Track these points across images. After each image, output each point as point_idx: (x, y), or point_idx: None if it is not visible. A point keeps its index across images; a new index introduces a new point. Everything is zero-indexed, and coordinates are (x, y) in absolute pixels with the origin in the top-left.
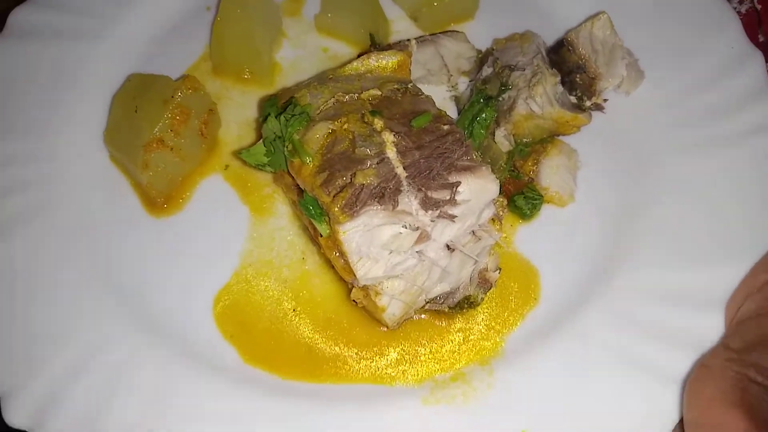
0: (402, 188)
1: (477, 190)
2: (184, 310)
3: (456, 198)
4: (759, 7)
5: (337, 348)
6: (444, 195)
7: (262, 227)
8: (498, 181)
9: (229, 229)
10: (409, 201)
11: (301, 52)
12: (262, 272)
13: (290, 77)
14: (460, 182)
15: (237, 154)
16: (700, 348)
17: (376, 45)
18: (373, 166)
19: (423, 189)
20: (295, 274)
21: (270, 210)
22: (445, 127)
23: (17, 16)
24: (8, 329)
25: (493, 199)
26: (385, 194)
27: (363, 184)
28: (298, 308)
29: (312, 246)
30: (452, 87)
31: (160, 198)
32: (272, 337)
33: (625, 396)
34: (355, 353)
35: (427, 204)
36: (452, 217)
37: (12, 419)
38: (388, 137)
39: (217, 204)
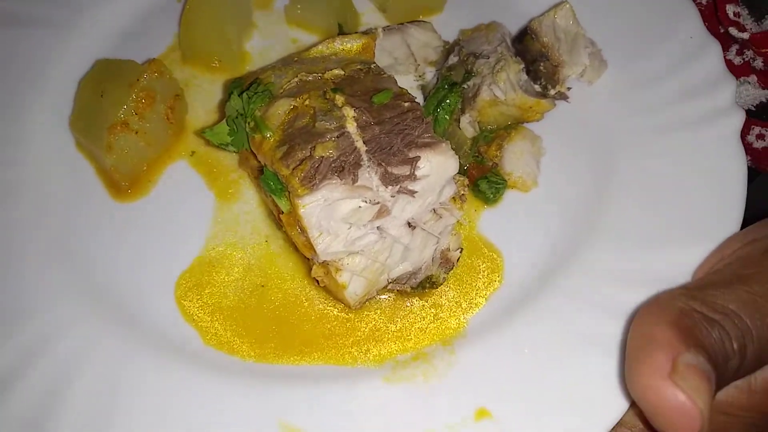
0: (362, 163)
1: (437, 166)
2: (148, 294)
3: (416, 173)
4: None
5: (308, 324)
6: (404, 170)
7: (228, 212)
8: (457, 157)
9: (194, 213)
10: (369, 176)
11: (271, 42)
12: (227, 254)
13: (259, 66)
14: (419, 157)
15: (200, 133)
16: None
17: (344, 35)
18: (333, 139)
19: (383, 164)
20: (261, 255)
21: (235, 195)
22: (406, 104)
23: None
24: None
25: (454, 177)
26: (345, 168)
27: (323, 157)
28: (268, 283)
29: (277, 231)
30: (419, 76)
31: (125, 182)
32: (239, 314)
33: (583, 374)
34: (328, 329)
35: (387, 179)
36: (412, 193)
37: None
38: (349, 112)
39: (182, 189)
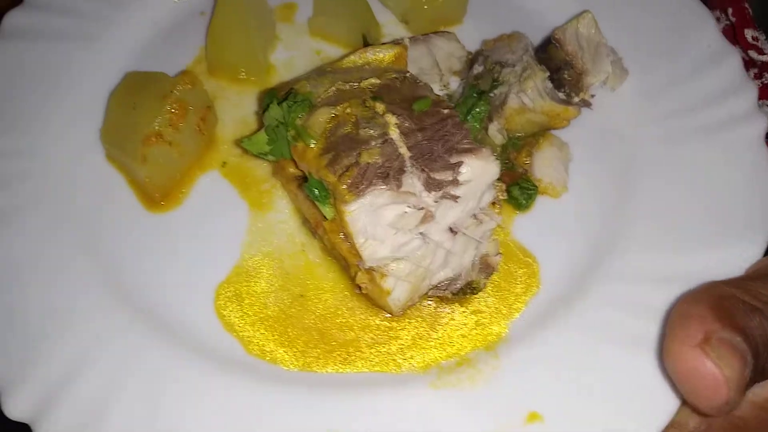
0: (406, 168)
1: (478, 170)
2: (185, 305)
3: (458, 178)
4: (734, 19)
5: (352, 333)
6: (447, 176)
7: (262, 221)
8: (498, 162)
9: (228, 223)
10: (413, 182)
11: (295, 54)
12: (264, 263)
13: (285, 77)
14: (462, 162)
15: (239, 142)
16: None
17: (369, 46)
18: (378, 145)
19: (426, 170)
20: (298, 264)
21: (269, 205)
22: (445, 111)
23: (12, 18)
24: (7, 323)
25: (493, 183)
26: (390, 174)
27: (368, 163)
28: (308, 293)
29: (312, 239)
30: (444, 86)
31: (158, 194)
32: (280, 323)
33: (631, 374)
34: (371, 338)
35: (430, 184)
36: (455, 198)
37: (12, 412)
38: (391, 119)
39: (215, 200)
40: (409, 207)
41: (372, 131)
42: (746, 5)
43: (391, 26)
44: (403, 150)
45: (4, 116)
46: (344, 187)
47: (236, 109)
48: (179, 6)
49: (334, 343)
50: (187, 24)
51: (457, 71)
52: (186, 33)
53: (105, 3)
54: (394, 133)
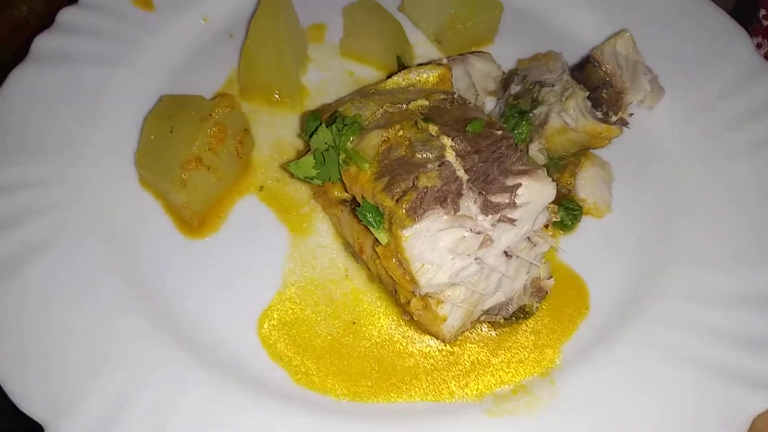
0: (463, 192)
1: (535, 192)
2: (229, 334)
3: (516, 201)
4: None
5: (411, 359)
6: (504, 198)
7: (303, 246)
8: (554, 183)
9: (269, 248)
10: (469, 205)
11: (327, 75)
12: (308, 290)
13: (317, 99)
14: (520, 184)
15: (284, 166)
16: (759, 347)
17: (403, 66)
18: (435, 168)
19: (483, 192)
20: (344, 291)
21: (309, 229)
22: (499, 132)
23: (41, 42)
24: (49, 356)
25: (547, 205)
26: (448, 198)
27: (427, 187)
28: (360, 320)
29: (355, 263)
30: (480, 105)
31: (196, 220)
32: (332, 352)
33: (690, 395)
34: (430, 364)
35: (487, 208)
36: (512, 221)
37: None
38: (447, 141)
39: (253, 224)
40: (467, 231)
41: (428, 154)
42: None
43: (422, 46)
44: (461, 173)
45: (34, 143)
46: (402, 211)
47: (270, 131)
48: (208, 28)
49: (391, 371)
50: (216, 46)
51: (492, 91)
52: (216, 55)
53: (133, 25)
54: (451, 156)
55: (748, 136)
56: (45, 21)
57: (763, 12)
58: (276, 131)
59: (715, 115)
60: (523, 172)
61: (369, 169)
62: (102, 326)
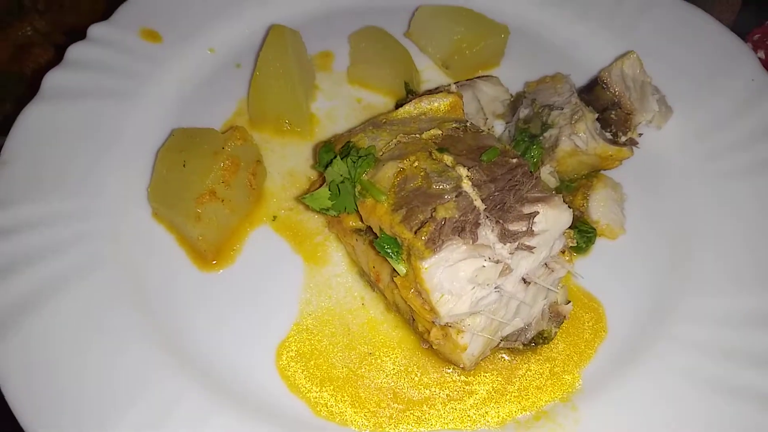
0: (480, 221)
1: (552, 219)
2: (247, 366)
3: (533, 229)
4: None
5: (427, 390)
6: (521, 227)
7: (318, 276)
8: (571, 210)
9: (284, 279)
10: (487, 234)
11: (336, 103)
12: (324, 320)
13: (327, 127)
14: (537, 212)
15: (300, 199)
16: None
17: (412, 92)
18: (453, 199)
19: (501, 221)
20: (361, 320)
21: (324, 258)
22: (514, 161)
23: (52, 79)
24: (67, 391)
25: (564, 230)
26: (466, 228)
27: (445, 218)
28: (376, 352)
29: (371, 292)
30: (488, 129)
31: (210, 252)
32: (350, 384)
33: (714, 417)
34: (446, 394)
35: (505, 236)
36: (530, 249)
37: None
38: (462, 171)
39: (268, 255)
40: (486, 260)
41: (445, 185)
42: None
43: (430, 71)
44: (478, 202)
45: (46, 180)
46: (421, 243)
47: (282, 161)
48: (215, 59)
49: (408, 402)
50: (224, 77)
51: (500, 114)
52: (224, 85)
53: (142, 59)
54: (467, 186)
55: (758, 153)
56: (50, 40)
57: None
58: (287, 160)
59: (724, 134)
60: (540, 200)
61: (386, 200)
62: (119, 362)
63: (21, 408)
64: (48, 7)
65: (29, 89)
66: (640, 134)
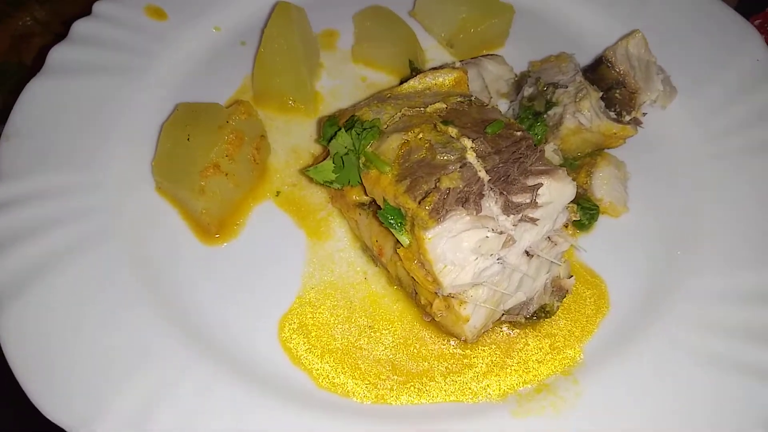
0: (484, 192)
1: (556, 192)
2: (250, 339)
3: (537, 201)
4: None
5: (425, 363)
6: (525, 198)
7: (321, 250)
8: (575, 182)
9: (287, 253)
10: (491, 206)
11: (340, 81)
12: (327, 293)
13: (332, 105)
14: (541, 184)
15: (303, 171)
16: None
17: (416, 71)
18: (457, 170)
19: (504, 193)
20: (362, 294)
21: (327, 233)
22: (518, 134)
23: (57, 54)
24: (74, 363)
25: (567, 204)
26: (470, 198)
27: (449, 188)
28: (375, 325)
29: (374, 266)
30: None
31: (213, 226)
32: (350, 356)
33: (715, 392)
34: (445, 367)
35: (509, 208)
36: (534, 221)
37: None
38: (467, 143)
39: (271, 230)
40: (489, 231)
41: (449, 156)
42: None
43: (434, 51)
44: (482, 174)
45: (53, 153)
46: (426, 213)
47: (286, 137)
48: (220, 37)
49: (407, 374)
50: (229, 54)
51: (504, 93)
52: (229, 63)
53: (146, 36)
54: (472, 157)
55: (762, 133)
56: (50, 29)
57: None
58: (291, 137)
59: (729, 113)
60: (544, 172)
61: (390, 171)
62: (124, 333)
63: (24, 375)
64: None
65: (29, 78)
66: (645, 113)
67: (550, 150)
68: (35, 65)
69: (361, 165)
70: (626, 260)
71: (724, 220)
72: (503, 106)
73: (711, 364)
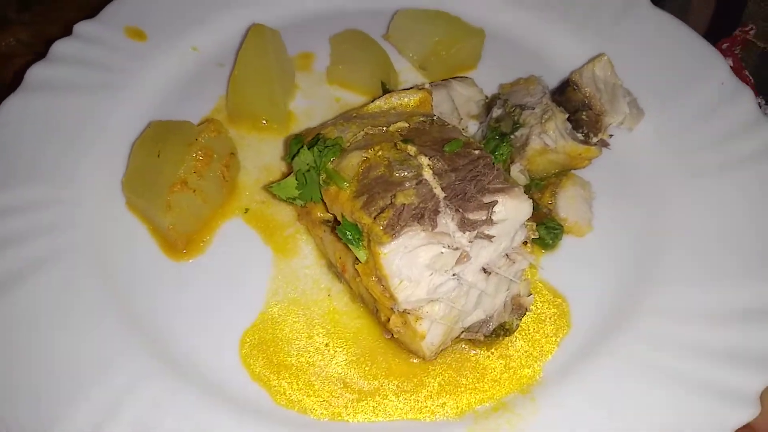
0: (440, 209)
1: (512, 209)
2: (212, 354)
3: (492, 218)
4: None
5: (376, 381)
6: (481, 215)
7: (286, 267)
8: (531, 200)
9: (253, 270)
10: (447, 222)
11: (314, 102)
12: (289, 310)
13: (305, 124)
14: (497, 202)
15: (267, 188)
16: (740, 360)
17: (388, 92)
18: (413, 187)
19: (460, 210)
20: (323, 311)
21: (293, 250)
22: (476, 152)
23: (35, 72)
24: (35, 375)
25: (525, 222)
26: (425, 215)
27: (404, 204)
28: (331, 343)
29: (338, 283)
30: (463, 129)
31: (181, 242)
32: (303, 372)
33: (671, 411)
34: (396, 386)
35: (464, 225)
36: (489, 238)
37: None
38: (424, 161)
39: (238, 246)
40: (444, 247)
41: (406, 173)
42: (747, 73)
43: (407, 73)
44: (438, 191)
45: (27, 168)
46: (380, 228)
47: (257, 155)
48: (198, 57)
49: (359, 392)
50: (206, 75)
51: (475, 115)
52: (205, 83)
53: (125, 54)
54: (428, 174)
55: (725, 155)
56: (32, 50)
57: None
58: (264, 156)
59: (694, 136)
60: (500, 190)
61: (348, 188)
62: (87, 345)
63: None
64: (33, 19)
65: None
66: (611, 135)
67: (516, 170)
68: (14, 84)
69: (321, 181)
70: (589, 279)
71: (687, 239)
72: (473, 127)
73: (671, 383)
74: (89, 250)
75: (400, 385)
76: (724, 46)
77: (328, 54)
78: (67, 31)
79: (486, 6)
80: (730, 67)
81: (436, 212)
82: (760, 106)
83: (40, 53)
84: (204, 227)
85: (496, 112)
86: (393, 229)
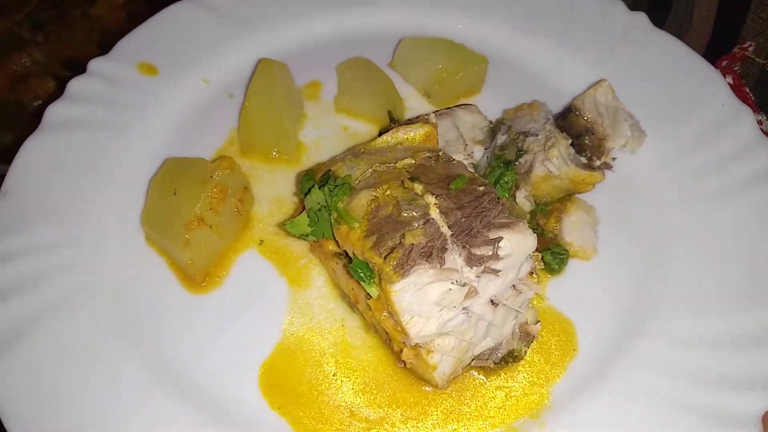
0: (447, 246)
1: (517, 244)
2: (233, 385)
3: (498, 253)
4: None
5: (381, 410)
6: (487, 251)
7: (301, 298)
8: (535, 234)
9: (269, 301)
10: (454, 258)
11: (323, 131)
12: (304, 340)
13: (314, 154)
14: (502, 237)
15: (281, 225)
16: (746, 386)
17: (394, 121)
18: (420, 226)
19: (467, 246)
20: (335, 341)
21: (307, 281)
22: (481, 188)
23: (53, 111)
24: (59, 415)
25: (531, 254)
26: (433, 253)
27: (413, 244)
28: (339, 373)
29: (351, 313)
30: (468, 155)
31: (199, 276)
32: (315, 401)
33: None
34: (401, 414)
35: (471, 260)
36: (496, 272)
37: None
38: (431, 200)
39: (255, 278)
40: (453, 283)
41: (413, 212)
42: (747, 89)
43: (413, 100)
44: (444, 229)
45: (47, 207)
46: (390, 268)
47: (270, 187)
48: (209, 90)
49: (366, 421)
50: (217, 107)
51: (479, 141)
52: (217, 115)
53: (139, 90)
54: (435, 213)
55: (729, 177)
56: (47, 69)
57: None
58: (275, 187)
59: (696, 158)
60: (505, 225)
61: (359, 227)
62: (110, 383)
63: (13, 426)
64: (46, 39)
65: (28, 118)
66: (614, 158)
67: (521, 196)
68: (33, 107)
69: (332, 221)
70: (596, 303)
71: (693, 263)
72: (478, 152)
73: (678, 408)
74: (111, 284)
75: (404, 413)
76: (724, 63)
77: (335, 82)
78: (82, 51)
79: (489, 33)
80: (730, 84)
81: (444, 250)
82: (761, 123)
83: (55, 74)
84: (221, 260)
85: (501, 139)
86: (403, 268)
